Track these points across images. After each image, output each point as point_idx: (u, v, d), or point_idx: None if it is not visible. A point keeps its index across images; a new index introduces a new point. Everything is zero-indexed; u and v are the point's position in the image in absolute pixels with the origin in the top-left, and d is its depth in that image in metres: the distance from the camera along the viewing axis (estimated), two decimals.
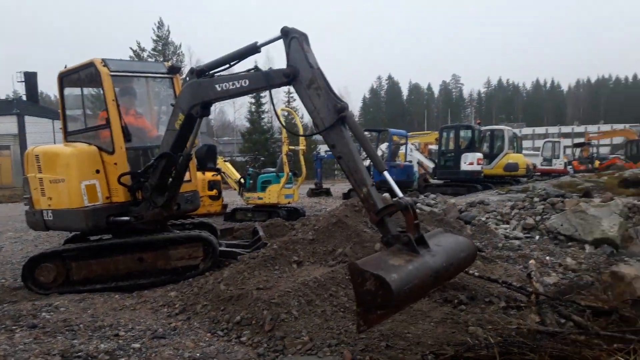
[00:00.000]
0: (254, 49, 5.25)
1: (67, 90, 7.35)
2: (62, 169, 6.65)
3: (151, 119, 7.93)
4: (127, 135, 6.71)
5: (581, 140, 39.73)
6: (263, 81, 5.11)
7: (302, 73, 4.67)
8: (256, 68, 5.35)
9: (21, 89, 43.74)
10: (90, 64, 6.69)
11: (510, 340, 3.93)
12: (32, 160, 6.99)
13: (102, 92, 6.64)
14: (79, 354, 4.08)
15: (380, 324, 3.59)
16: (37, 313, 5.21)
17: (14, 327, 4.80)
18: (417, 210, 3.99)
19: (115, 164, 6.64)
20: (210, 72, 5.76)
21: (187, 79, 6.04)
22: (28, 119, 39.08)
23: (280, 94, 51.65)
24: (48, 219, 6.82)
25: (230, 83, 5.37)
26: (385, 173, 4.34)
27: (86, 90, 7.37)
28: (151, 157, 6.82)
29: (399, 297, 3.43)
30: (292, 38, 4.69)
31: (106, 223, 6.62)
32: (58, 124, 7.90)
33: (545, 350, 3.70)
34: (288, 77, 4.74)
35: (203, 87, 5.71)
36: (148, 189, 6.50)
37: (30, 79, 42.43)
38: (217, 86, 5.51)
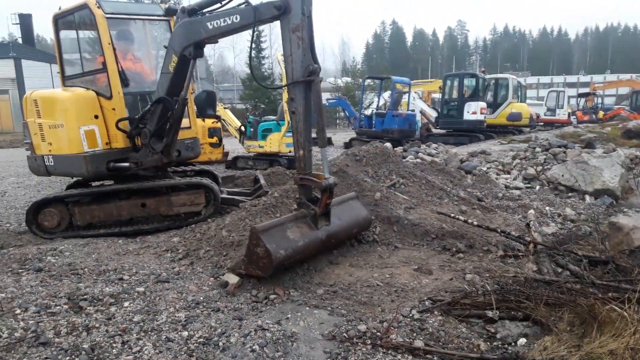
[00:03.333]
0: None
1: (63, 34, 7.17)
2: (61, 114, 6.58)
3: (149, 63, 7.77)
4: (124, 80, 6.61)
5: (586, 90, 39.15)
6: (252, 16, 4.93)
7: (292, 12, 4.58)
8: (247, 2, 5.13)
9: (17, 32, 42.80)
10: (84, 6, 6.49)
11: (507, 288, 4.01)
12: (30, 105, 6.91)
13: (97, 35, 6.48)
14: (85, 296, 4.17)
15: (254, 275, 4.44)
16: (42, 257, 5.29)
17: (21, 270, 4.89)
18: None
19: (114, 109, 6.57)
20: (202, 10, 5.61)
21: (178, 18, 5.88)
22: (25, 63, 38.35)
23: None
24: (49, 164, 6.82)
25: (222, 20, 5.23)
26: (322, 150, 4.83)
27: (82, 34, 7.17)
28: (150, 103, 6.72)
29: (276, 270, 4.31)
30: None
31: (106, 169, 6.63)
32: (56, 67, 7.72)
33: (541, 298, 3.78)
34: (279, 9, 4.61)
35: (194, 26, 5.57)
36: (146, 135, 6.45)
37: (25, 21, 41.40)
38: (208, 24, 5.38)
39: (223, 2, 5.37)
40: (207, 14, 5.54)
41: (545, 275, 4.45)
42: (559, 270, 4.68)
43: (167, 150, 6.50)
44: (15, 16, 41.23)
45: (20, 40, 42.42)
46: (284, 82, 13.30)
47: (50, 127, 6.66)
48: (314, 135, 4.91)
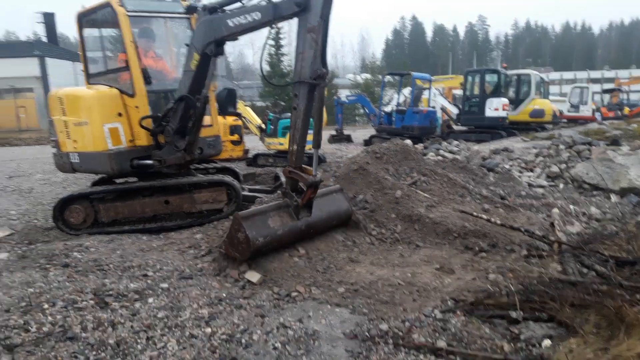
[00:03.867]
0: None
1: (87, 32, 7.26)
2: (85, 112, 6.68)
3: (171, 61, 7.84)
4: (147, 77, 6.66)
5: (611, 85, 38.30)
6: (272, 12, 5.01)
7: (311, 12, 4.65)
8: (268, 0, 5.18)
9: (41, 31, 43.61)
10: (107, 4, 6.57)
11: (531, 289, 3.95)
12: (56, 103, 7.03)
13: (120, 33, 6.56)
14: (110, 292, 4.25)
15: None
16: (69, 253, 5.39)
17: (48, 266, 4.99)
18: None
19: (137, 107, 6.64)
20: (222, 8, 5.67)
21: (200, 16, 5.93)
22: (49, 61, 39.03)
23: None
24: (75, 161, 6.94)
25: (242, 17, 5.30)
26: (315, 150, 5.00)
27: (105, 31, 7.26)
28: (172, 100, 6.79)
29: (253, 255, 4.63)
30: None
31: (130, 166, 6.72)
32: (79, 65, 7.84)
33: (566, 299, 3.72)
34: (300, 5, 4.68)
35: (215, 23, 5.63)
36: (169, 133, 6.51)
37: (48, 20, 42.18)
38: (229, 21, 5.44)
39: (244, 1, 5.40)
40: (227, 12, 5.59)
41: (570, 275, 4.38)
42: (585, 270, 4.60)
43: (189, 147, 6.56)
44: (39, 15, 42.03)
45: (44, 39, 43.19)
46: None
47: (75, 124, 6.77)
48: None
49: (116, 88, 6.79)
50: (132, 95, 6.66)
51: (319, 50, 4.66)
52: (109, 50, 7.33)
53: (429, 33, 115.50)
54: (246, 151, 14.22)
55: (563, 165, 9.86)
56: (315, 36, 4.62)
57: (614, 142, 12.18)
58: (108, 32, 7.34)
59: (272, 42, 45.21)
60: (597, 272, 4.47)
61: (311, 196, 4.93)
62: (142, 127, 6.62)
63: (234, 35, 5.70)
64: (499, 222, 5.67)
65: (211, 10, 5.73)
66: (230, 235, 4.70)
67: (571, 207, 7.39)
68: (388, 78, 27.07)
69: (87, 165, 6.88)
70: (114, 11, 6.47)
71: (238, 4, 5.51)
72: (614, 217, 7.01)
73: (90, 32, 7.35)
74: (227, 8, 5.67)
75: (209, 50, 5.81)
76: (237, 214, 4.70)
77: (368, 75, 50.65)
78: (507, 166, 10.27)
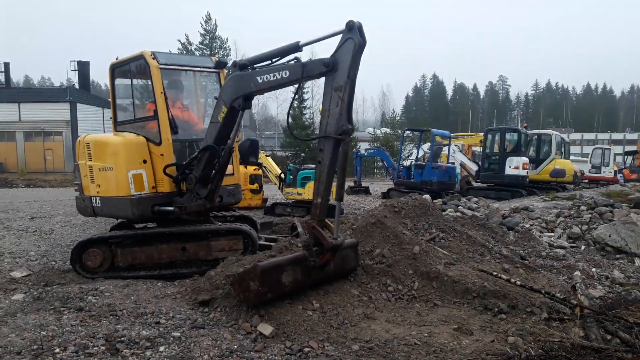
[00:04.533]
0: (295, 48, 5.31)
1: (118, 81, 7.57)
2: (111, 158, 6.86)
3: (197, 112, 8.08)
4: (173, 127, 6.86)
5: (633, 147, 38.05)
6: (300, 72, 5.15)
7: (339, 72, 4.78)
8: (297, 59, 5.35)
9: (74, 78, 45.56)
10: (140, 57, 6.86)
11: (552, 354, 3.82)
12: (83, 148, 7.24)
13: (150, 84, 6.81)
14: (122, 338, 4.22)
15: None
16: (83, 296, 5.41)
17: (62, 309, 5.00)
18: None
19: (162, 155, 6.80)
20: (252, 65, 5.86)
21: (230, 71, 6.14)
22: (80, 107, 40.57)
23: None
24: (96, 205, 7.07)
25: (271, 74, 5.45)
26: (338, 203, 5.04)
27: (136, 82, 7.53)
28: (197, 150, 6.94)
29: (255, 307, 4.71)
30: (350, 39, 4.72)
31: (151, 212, 6.80)
32: (108, 112, 8.14)
33: None
34: (328, 66, 4.81)
35: (245, 79, 5.80)
36: (192, 181, 6.62)
37: (82, 68, 44.09)
38: (258, 78, 5.60)
39: (273, 60, 5.59)
40: (257, 69, 5.78)
41: (593, 341, 4.22)
42: (608, 337, 4.43)
43: (210, 195, 6.64)
44: (74, 63, 44.00)
45: (77, 86, 45.01)
46: None
47: (100, 169, 6.94)
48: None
49: (143, 136, 6.98)
50: (158, 144, 6.83)
51: (344, 107, 4.75)
52: (138, 99, 7.58)
53: (449, 91, 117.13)
54: (265, 200, 14.33)
55: (584, 227, 9.68)
56: (342, 94, 4.73)
57: (637, 205, 11.95)
58: (138, 82, 7.63)
59: (296, 97, 46.33)
60: (621, 339, 4.30)
61: (329, 259, 4.93)
62: (166, 174, 6.75)
63: (262, 92, 5.88)
64: (519, 283, 5.52)
65: (242, 66, 5.93)
66: (243, 277, 4.73)
67: (593, 269, 7.20)
68: (408, 133, 27.43)
69: (108, 209, 7.00)
70: (147, 63, 6.74)
71: (267, 62, 5.70)
72: (638, 281, 6.80)
73: (121, 81, 7.65)
74: (257, 65, 5.86)
75: (237, 104, 5.98)
76: (258, 266, 4.73)
77: (388, 130, 51.33)
78: (527, 225, 10.12)
